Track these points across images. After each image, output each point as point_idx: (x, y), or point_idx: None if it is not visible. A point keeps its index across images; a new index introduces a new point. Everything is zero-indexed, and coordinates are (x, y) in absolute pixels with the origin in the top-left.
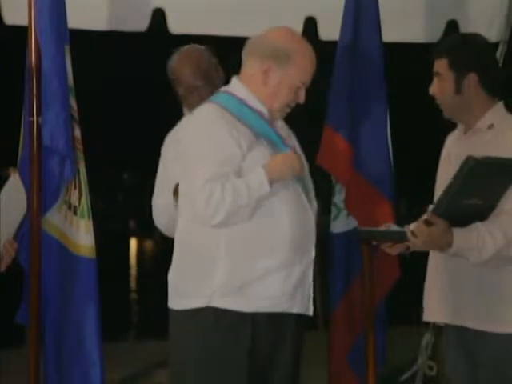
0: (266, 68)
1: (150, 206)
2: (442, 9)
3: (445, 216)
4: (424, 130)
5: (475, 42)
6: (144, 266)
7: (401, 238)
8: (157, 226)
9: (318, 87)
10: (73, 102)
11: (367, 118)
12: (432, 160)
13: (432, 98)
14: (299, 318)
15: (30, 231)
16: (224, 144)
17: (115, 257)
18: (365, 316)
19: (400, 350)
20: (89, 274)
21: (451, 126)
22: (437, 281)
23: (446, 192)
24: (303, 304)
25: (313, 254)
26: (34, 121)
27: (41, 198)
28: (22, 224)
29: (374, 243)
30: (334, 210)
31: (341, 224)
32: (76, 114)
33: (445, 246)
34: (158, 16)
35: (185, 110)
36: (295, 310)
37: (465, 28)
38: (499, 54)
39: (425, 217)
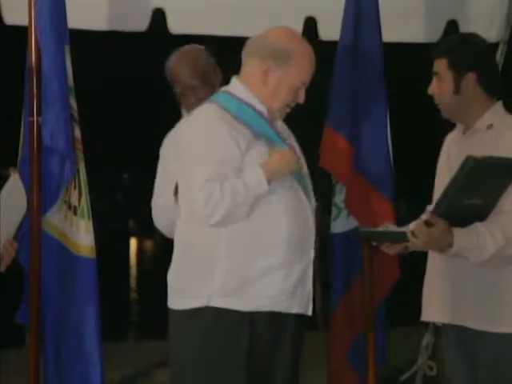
0: (266, 68)
1: (150, 206)
2: (441, 9)
3: (445, 216)
4: (424, 130)
5: (474, 42)
6: (144, 266)
7: (401, 238)
8: (157, 226)
9: (317, 87)
10: (73, 102)
11: (367, 118)
12: (432, 160)
13: (432, 98)
14: (299, 317)
15: (30, 231)
16: (223, 144)
17: (115, 257)
18: (365, 316)
19: (400, 350)
20: (89, 274)
21: (451, 126)
22: (436, 281)
23: (446, 192)
24: (303, 304)
25: (312, 253)
26: (34, 121)
27: (41, 198)
28: (22, 224)
29: (374, 243)
30: (334, 210)
31: (341, 224)
32: (76, 114)
33: (445, 246)
34: (158, 16)
35: (183, 111)
36: (295, 309)
37: (465, 28)
38: (499, 54)
39: (423, 217)
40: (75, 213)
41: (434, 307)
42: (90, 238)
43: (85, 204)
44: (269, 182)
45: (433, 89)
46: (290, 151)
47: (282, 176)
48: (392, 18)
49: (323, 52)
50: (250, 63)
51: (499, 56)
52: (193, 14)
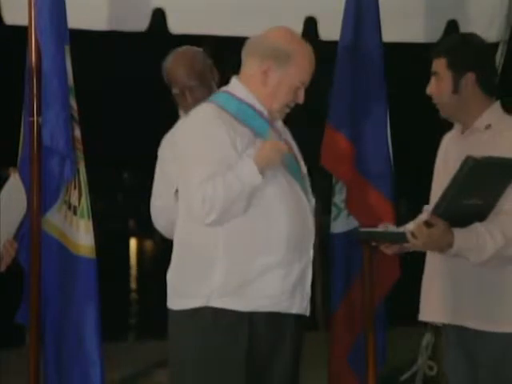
0: (266, 68)
1: (150, 207)
2: (441, 9)
3: (444, 216)
4: (424, 130)
5: (473, 42)
6: (144, 266)
7: (401, 238)
8: (156, 227)
9: (317, 87)
10: (73, 102)
11: (367, 117)
12: (432, 160)
13: (431, 98)
14: (299, 318)
15: (30, 231)
16: (220, 144)
17: (115, 257)
18: (365, 316)
19: (400, 350)
20: (89, 274)
21: (451, 126)
22: (436, 281)
23: (446, 192)
24: (302, 304)
25: (312, 253)
26: (34, 121)
27: (41, 198)
28: (22, 224)
29: (374, 244)
30: (334, 210)
31: (341, 224)
32: (76, 114)
33: (445, 246)
34: (158, 16)
35: (180, 112)
36: (294, 310)
37: (465, 28)
38: (499, 53)
39: (421, 216)
40: (75, 213)
41: (434, 307)
42: (90, 237)
43: (85, 204)
44: (262, 172)
45: (431, 88)
46: (279, 141)
47: (274, 165)
48: (392, 17)
49: (323, 52)
50: (249, 63)
51: (499, 56)
52: (193, 14)
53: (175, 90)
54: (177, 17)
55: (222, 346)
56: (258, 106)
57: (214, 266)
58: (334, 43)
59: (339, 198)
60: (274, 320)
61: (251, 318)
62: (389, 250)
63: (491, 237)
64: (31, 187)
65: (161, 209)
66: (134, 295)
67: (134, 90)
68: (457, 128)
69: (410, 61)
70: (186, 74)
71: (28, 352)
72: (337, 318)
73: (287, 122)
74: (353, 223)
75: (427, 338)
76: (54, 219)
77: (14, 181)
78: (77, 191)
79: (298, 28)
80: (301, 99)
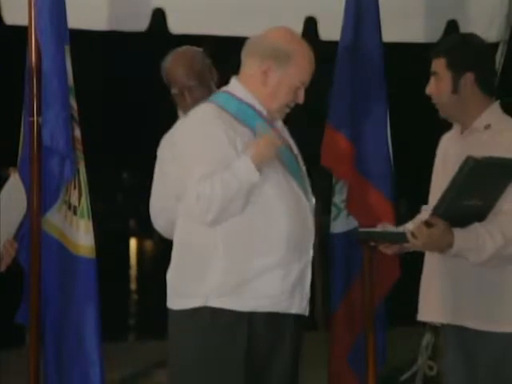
0: (266, 68)
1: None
2: (441, 9)
3: (444, 217)
4: (424, 130)
5: (473, 42)
6: (144, 266)
7: (400, 239)
8: (155, 228)
9: (317, 87)
10: (73, 102)
11: (367, 117)
12: (432, 160)
13: (431, 98)
14: (298, 318)
15: (30, 231)
16: (219, 144)
17: (115, 257)
18: (365, 316)
19: (400, 350)
20: (88, 274)
21: (451, 126)
22: (435, 281)
23: (446, 193)
24: (301, 304)
25: (311, 253)
26: (34, 121)
27: (41, 198)
28: (22, 224)
29: (373, 244)
30: (334, 210)
31: (341, 224)
32: (76, 114)
33: (445, 246)
34: (158, 16)
35: (179, 112)
36: (294, 310)
37: (465, 28)
38: (499, 53)
39: (419, 216)
40: (75, 213)
41: (433, 307)
42: (90, 237)
43: (84, 204)
44: (259, 169)
45: (431, 88)
46: (272, 134)
47: (270, 159)
48: (392, 17)
49: (323, 52)
50: (249, 63)
51: (499, 56)
52: (193, 14)
53: (174, 91)
54: (177, 17)
55: (221, 346)
56: (258, 106)
57: (213, 266)
58: (333, 43)
59: (339, 198)
60: (273, 320)
61: (250, 318)
62: (388, 250)
63: (491, 237)
64: (31, 187)
65: (160, 209)
66: (133, 295)
67: (133, 90)
68: (456, 128)
69: (410, 61)
70: (185, 74)
71: (28, 352)
72: (337, 318)
73: (287, 121)
74: (353, 223)
75: (427, 338)
76: (54, 219)
77: (14, 181)
78: (77, 191)
79: (298, 28)
80: (301, 99)
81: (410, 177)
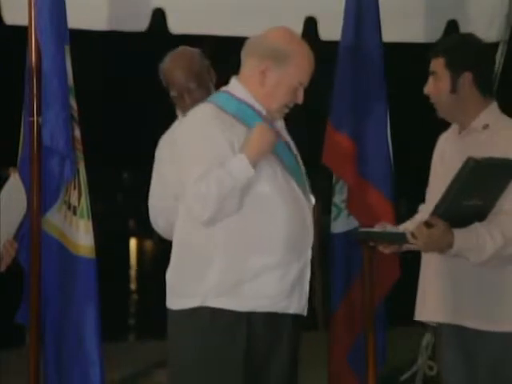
0: (264, 68)
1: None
2: (441, 9)
3: (445, 217)
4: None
5: (471, 42)
6: (144, 266)
7: (400, 239)
8: (155, 229)
9: (317, 87)
10: (73, 102)
11: (368, 118)
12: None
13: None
14: (296, 318)
15: (30, 231)
16: (217, 144)
17: (115, 257)
18: (365, 316)
19: (400, 350)
20: (88, 274)
21: (450, 126)
22: (434, 280)
23: (447, 193)
24: (300, 304)
25: (310, 252)
26: (34, 121)
27: (41, 198)
28: (22, 224)
29: (372, 244)
30: (334, 210)
31: (341, 224)
32: (76, 114)
33: (445, 247)
34: (158, 16)
35: (178, 112)
36: (292, 310)
37: (465, 28)
38: (499, 53)
39: (417, 216)
40: (75, 213)
41: (433, 307)
42: (90, 238)
43: (84, 204)
44: (253, 165)
45: (429, 88)
46: (264, 126)
47: (266, 154)
48: (392, 18)
49: (323, 52)
50: (248, 63)
51: (499, 56)
52: (193, 14)
53: (173, 93)
54: (177, 17)
55: (221, 346)
56: (257, 106)
57: (212, 266)
58: (334, 43)
59: (339, 198)
60: (272, 320)
61: (249, 318)
62: (387, 249)
63: (491, 237)
64: (31, 187)
65: (160, 210)
66: (133, 295)
67: (133, 90)
68: (454, 128)
69: (410, 61)
70: (183, 75)
71: (28, 352)
72: (337, 318)
73: (287, 122)
74: (353, 223)
75: (427, 338)
76: (54, 219)
77: (14, 181)
78: (76, 191)
79: (298, 28)
80: (300, 99)
81: (409, 177)
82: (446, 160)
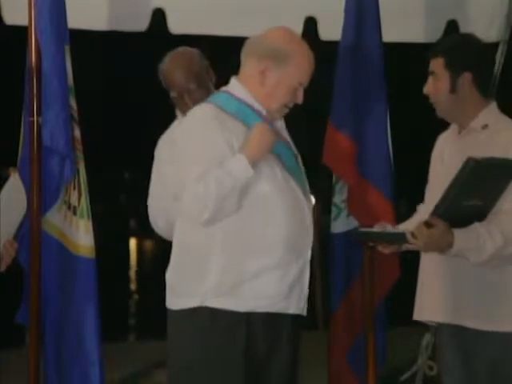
0: (264, 68)
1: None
2: (441, 9)
3: (444, 217)
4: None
5: (471, 42)
6: (144, 266)
7: (400, 239)
8: (155, 230)
9: (317, 87)
10: (73, 102)
11: (368, 118)
12: None
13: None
14: (296, 318)
15: (30, 231)
16: (216, 145)
17: (115, 257)
18: (365, 316)
19: (400, 350)
20: (88, 274)
21: (450, 126)
22: (434, 280)
23: (447, 193)
24: (299, 304)
25: (310, 252)
26: (34, 121)
27: (41, 198)
28: (21, 224)
29: (371, 244)
30: (334, 210)
31: (341, 224)
32: (76, 114)
33: (445, 247)
34: (158, 16)
35: (177, 112)
36: (291, 310)
37: (465, 28)
38: (499, 53)
39: (415, 216)
40: (74, 213)
41: (432, 307)
42: (90, 238)
43: (84, 204)
44: (253, 165)
45: (428, 88)
46: (263, 125)
47: (266, 154)
48: (392, 18)
49: (323, 52)
50: (248, 63)
51: (499, 56)
52: (193, 14)
53: (173, 93)
54: (177, 17)
55: (221, 347)
56: (257, 106)
57: (211, 266)
58: (333, 43)
59: (339, 198)
60: (271, 320)
61: (248, 318)
62: (386, 249)
63: (491, 237)
64: (31, 187)
65: (160, 210)
66: (134, 295)
67: (133, 90)
68: (453, 128)
69: (410, 61)
70: (183, 76)
71: (28, 352)
72: (337, 318)
73: (287, 122)
74: (353, 223)
75: (427, 338)
76: (54, 219)
77: (14, 181)
78: (76, 191)
79: (298, 28)
80: (299, 100)
81: (410, 177)
82: (446, 160)
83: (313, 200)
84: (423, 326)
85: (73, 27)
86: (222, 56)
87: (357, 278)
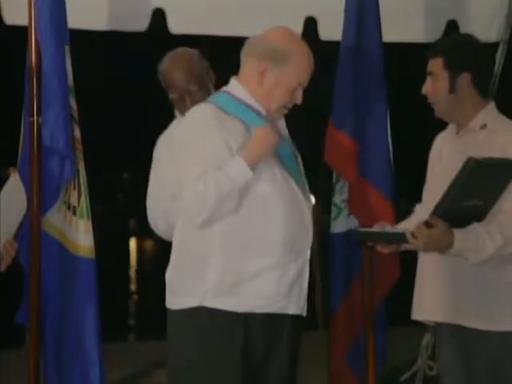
0: (263, 68)
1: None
2: (441, 9)
3: (444, 217)
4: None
5: (470, 42)
6: (144, 266)
7: (400, 239)
8: (155, 231)
9: (317, 87)
10: (73, 102)
11: (368, 117)
12: None
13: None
14: (296, 318)
15: (30, 231)
16: (215, 145)
17: (115, 257)
18: (365, 316)
19: (400, 350)
20: (88, 274)
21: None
22: (433, 280)
23: (447, 193)
24: (299, 304)
25: (309, 252)
26: (34, 121)
27: (41, 198)
28: (21, 224)
29: (370, 244)
30: (334, 210)
31: (341, 224)
32: (76, 114)
33: (445, 247)
34: (158, 16)
35: (176, 112)
36: (291, 310)
37: (465, 28)
38: (499, 53)
39: (413, 216)
40: (74, 213)
41: (431, 307)
42: (90, 238)
43: (84, 204)
44: (253, 167)
45: (427, 88)
46: (266, 127)
47: (268, 156)
48: (392, 18)
49: (323, 52)
50: (248, 63)
51: (499, 56)
52: (193, 14)
53: (173, 95)
54: (177, 17)
55: (219, 347)
56: (257, 106)
57: (210, 265)
58: (333, 43)
59: (339, 197)
60: (270, 320)
61: (246, 318)
62: (385, 249)
63: (490, 237)
64: (31, 187)
65: (158, 211)
66: (133, 295)
67: (133, 90)
68: (451, 128)
69: (410, 61)
70: (184, 77)
71: (28, 352)
72: (337, 318)
73: (287, 121)
74: (353, 223)
75: (427, 338)
76: (54, 219)
77: (14, 181)
78: (76, 191)
79: (298, 28)
80: (299, 100)
81: (409, 177)
82: (444, 160)
83: (312, 200)
84: (423, 326)
85: (73, 27)
86: (221, 56)
87: (357, 278)
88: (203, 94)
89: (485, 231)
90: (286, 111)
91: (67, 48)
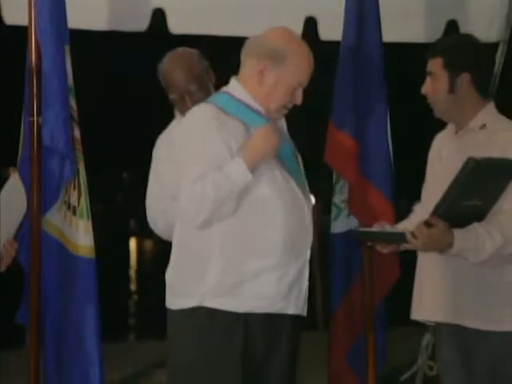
0: (262, 68)
1: None
2: (441, 9)
3: (444, 217)
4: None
5: (470, 42)
6: (144, 266)
7: (400, 239)
8: (154, 231)
9: (317, 87)
10: (73, 102)
11: (368, 117)
12: None
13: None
14: (295, 318)
15: (30, 231)
16: (215, 146)
17: (115, 257)
18: (365, 316)
19: (400, 350)
20: (88, 275)
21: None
22: (433, 280)
23: (447, 193)
24: (298, 304)
25: (309, 253)
26: (34, 121)
27: (41, 198)
28: (21, 224)
29: (369, 244)
30: (334, 210)
31: (341, 224)
32: (76, 114)
33: (445, 247)
34: (158, 16)
35: (176, 113)
36: (291, 310)
37: (465, 28)
38: (499, 53)
39: (412, 216)
40: (74, 213)
41: (431, 306)
42: (90, 238)
43: (84, 204)
44: (252, 170)
45: (426, 88)
46: (268, 128)
47: (269, 157)
48: (392, 18)
49: (323, 52)
50: (248, 63)
51: (499, 56)
52: (193, 14)
53: (173, 95)
54: (177, 17)
55: (219, 347)
56: (257, 107)
57: (210, 266)
58: (333, 43)
59: (339, 198)
60: (270, 321)
61: (246, 319)
62: (385, 249)
63: (490, 237)
64: (31, 187)
65: (158, 211)
66: (133, 295)
67: (133, 90)
68: (450, 128)
69: (410, 61)
70: (184, 78)
71: (28, 352)
72: (337, 318)
73: (287, 122)
74: (353, 223)
75: (427, 338)
76: (54, 219)
77: (14, 181)
78: (76, 191)
79: (298, 28)
80: (298, 100)
81: (409, 177)
82: (443, 160)
83: (312, 200)
84: (423, 326)
85: (73, 27)
86: (222, 56)
87: (357, 278)
88: (203, 94)
89: (485, 231)
90: (285, 111)
91: (67, 48)
